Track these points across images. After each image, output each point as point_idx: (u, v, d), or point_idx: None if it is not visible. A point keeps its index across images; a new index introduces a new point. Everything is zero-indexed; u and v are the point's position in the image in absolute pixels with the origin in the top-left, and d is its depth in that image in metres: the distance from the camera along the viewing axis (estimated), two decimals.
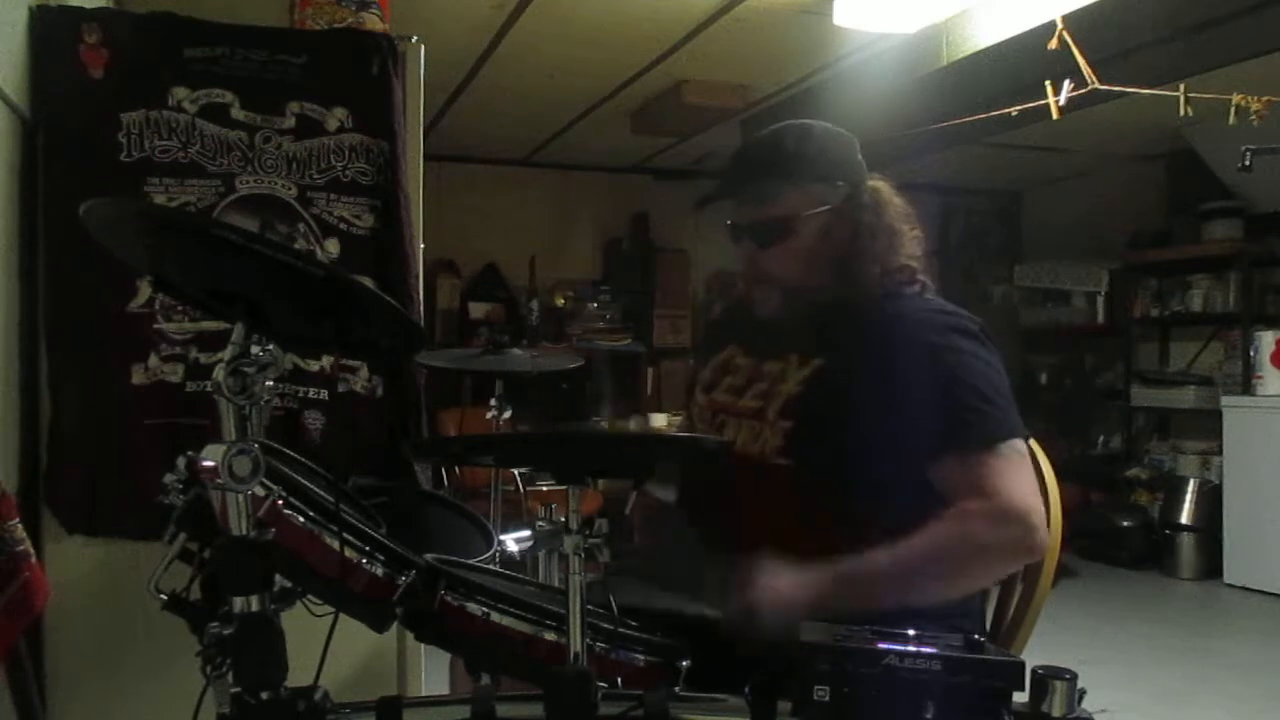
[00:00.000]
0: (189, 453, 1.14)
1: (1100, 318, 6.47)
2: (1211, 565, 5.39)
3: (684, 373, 5.84)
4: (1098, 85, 3.17)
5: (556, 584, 1.61)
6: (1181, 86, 3.22)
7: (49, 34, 1.88)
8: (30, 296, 1.88)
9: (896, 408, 1.40)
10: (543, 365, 2.50)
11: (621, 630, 1.19)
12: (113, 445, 1.88)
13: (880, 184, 1.59)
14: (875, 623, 1.13)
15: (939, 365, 1.41)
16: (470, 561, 1.38)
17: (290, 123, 1.99)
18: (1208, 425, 5.68)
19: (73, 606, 1.85)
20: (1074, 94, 3.22)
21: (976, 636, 1.06)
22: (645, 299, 6.40)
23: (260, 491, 1.06)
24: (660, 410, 5.99)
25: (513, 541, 2.15)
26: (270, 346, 1.10)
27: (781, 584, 1.33)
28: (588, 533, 1.07)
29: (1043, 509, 1.36)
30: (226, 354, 1.06)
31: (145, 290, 1.91)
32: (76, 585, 1.86)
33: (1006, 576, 1.57)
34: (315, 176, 2.00)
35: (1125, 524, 5.81)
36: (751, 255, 1.58)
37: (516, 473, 3.22)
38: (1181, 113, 3.20)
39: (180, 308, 1.91)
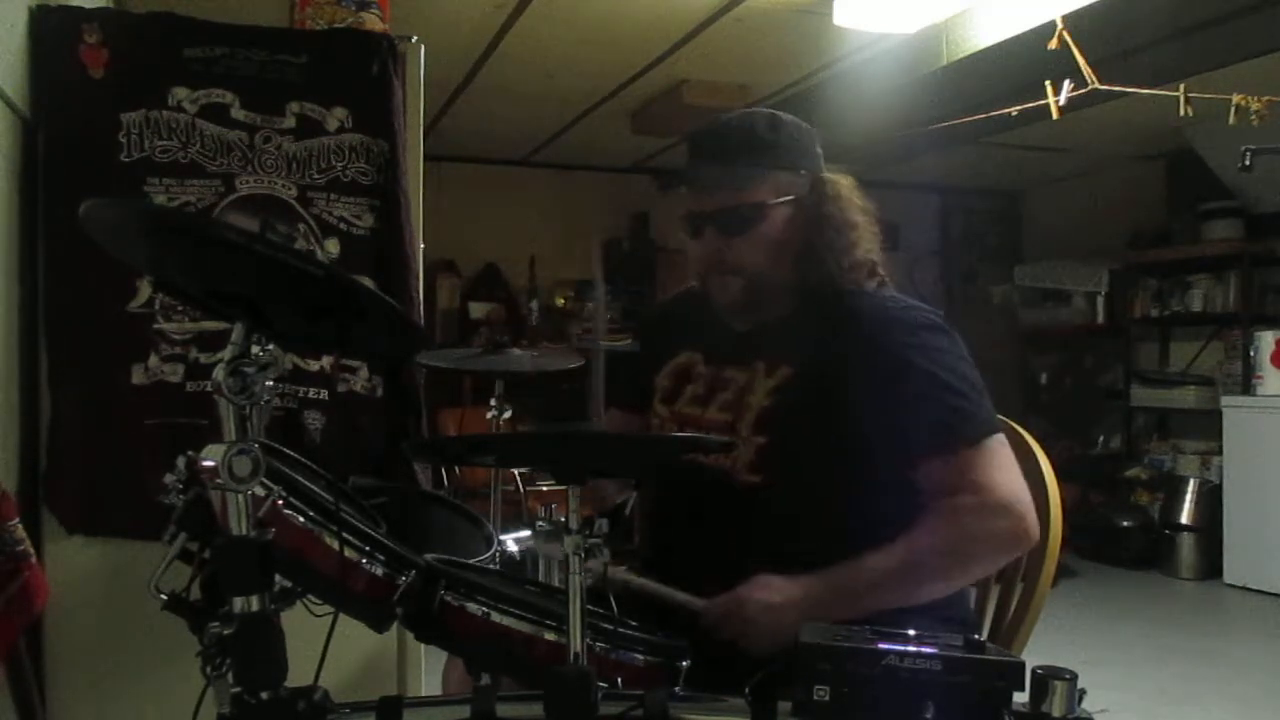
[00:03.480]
0: (189, 453, 1.14)
1: (1100, 318, 6.47)
2: (1211, 565, 5.39)
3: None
4: (1098, 85, 3.17)
5: (556, 584, 1.61)
6: (1181, 86, 3.23)
7: (49, 34, 1.88)
8: (30, 296, 1.88)
9: (875, 415, 1.39)
10: (543, 365, 2.50)
11: (621, 630, 1.19)
12: (113, 445, 1.88)
13: (839, 177, 1.57)
14: (870, 618, 1.13)
15: (914, 367, 1.40)
16: (470, 561, 1.38)
17: (290, 123, 1.99)
18: (1208, 425, 5.68)
19: (73, 606, 1.85)
20: (1074, 94, 3.23)
21: (976, 636, 1.06)
22: (645, 299, 6.39)
23: (260, 491, 1.06)
24: None
25: (513, 541, 2.14)
26: (270, 346, 1.10)
27: (774, 592, 1.33)
28: (588, 533, 1.07)
29: (1029, 497, 1.38)
30: (226, 354, 1.06)
31: (145, 290, 1.91)
32: (76, 585, 1.86)
33: (1003, 568, 1.57)
34: (315, 176, 2.00)
35: (1125, 524, 5.81)
36: (715, 245, 1.52)
37: (516, 473, 3.22)
38: (1181, 113, 3.20)
39: (180, 308, 1.91)
